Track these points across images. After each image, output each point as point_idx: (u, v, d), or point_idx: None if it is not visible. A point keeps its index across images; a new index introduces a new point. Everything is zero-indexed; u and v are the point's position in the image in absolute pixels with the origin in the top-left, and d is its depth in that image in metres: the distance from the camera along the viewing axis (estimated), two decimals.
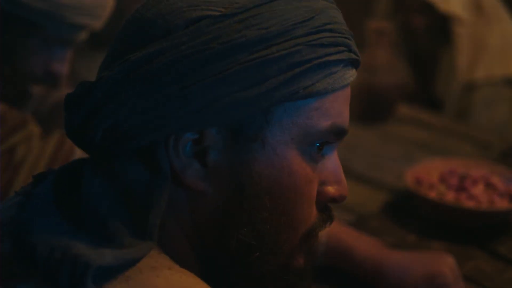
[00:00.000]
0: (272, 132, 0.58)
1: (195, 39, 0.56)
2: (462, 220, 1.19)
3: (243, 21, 0.56)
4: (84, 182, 0.61)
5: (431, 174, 1.30)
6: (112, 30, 1.25)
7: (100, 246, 0.55)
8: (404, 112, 1.89)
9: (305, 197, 0.61)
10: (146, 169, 0.59)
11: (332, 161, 0.64)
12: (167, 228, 0.60)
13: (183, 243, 0.61)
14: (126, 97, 0.57)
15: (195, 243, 0.61)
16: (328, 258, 1.02)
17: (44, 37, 1.09)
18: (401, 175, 1.32)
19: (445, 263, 0.96)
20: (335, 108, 0.60)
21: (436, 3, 1.98)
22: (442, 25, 2.06)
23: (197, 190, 0.59)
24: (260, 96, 0.56)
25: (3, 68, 1.08)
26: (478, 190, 1.23)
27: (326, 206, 0.65)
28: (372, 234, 1.10)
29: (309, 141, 0.60)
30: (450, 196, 1.23)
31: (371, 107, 1.81)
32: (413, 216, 1.26)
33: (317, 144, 0.61)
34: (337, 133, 0.61)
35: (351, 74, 0.62)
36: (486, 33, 2.10)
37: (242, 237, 0.59)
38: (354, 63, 0.63)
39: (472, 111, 2.12)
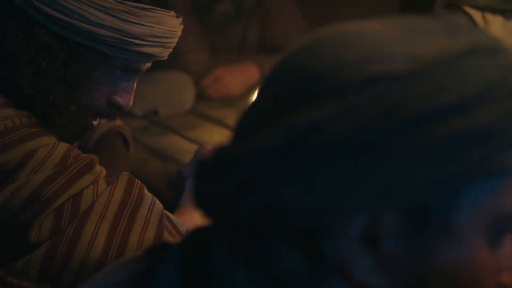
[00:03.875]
0: (459, 216, 0.48)
1: (375, 104, 0.45)
2: None
3: (431, 82, 0.46)
4: (218, 265, 0.51)
5: None
6: None
7: None
8: None
9: None
10: (305, 257, 0.48)
11: (507, 245, 0.53)
12: None
13: None
14: (287, 171, 0.46)
15: None
16: None
17: (110, 68, 0.99)
18: None
19: None
20: None
21: (476, 20, 1.87)
22: None
23: (366, 285, 0.48)
24: (452, 174, 0.46)
25: (69, 105, 0.98)
26: None
27: None
28: None
29: (496, 225, 0.50)
30: None
31: None
32: None
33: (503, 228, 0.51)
34: None
35: None
36: None
37: None
38: None
39: None
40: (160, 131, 1.72)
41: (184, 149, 1.57)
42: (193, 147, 1.54)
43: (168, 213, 1.00)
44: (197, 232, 0.57)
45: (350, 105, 0.45)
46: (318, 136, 0.45)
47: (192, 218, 1.08)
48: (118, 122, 1.37)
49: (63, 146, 0.95)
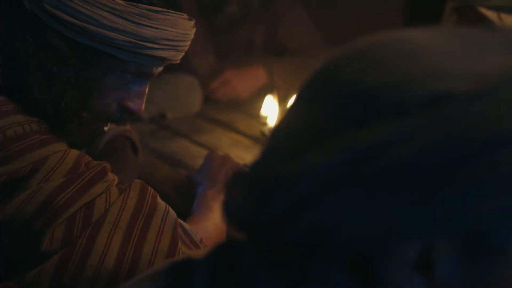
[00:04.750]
0: None
1: (442, 127, 0.43)
2: None
3: (498, 104, 0.43)
4: (253, 282, 0.48)
5: None
6: None
7: None
8: None
9: None
10: (354, 281, 0.46)
11: None
12: None
13: None
14: (345, 193, 0.44)
15: None
16: None
17: (122, 72, 0.97)
18: None
19: None
20: None
21: (492, 20, 1.85)
22: None
23: None
24: None
25: (80, 110, 0.95)
26: None
27: None
28: None
29: None
30: None
31: None
32: None
33: None
34: None
35: None
36: None
37: None
38: None
39: None
40: (167, 135, 1.69)
41: (193, 154, 1.55)
42: (202, 152, 1.51)
43: (182, 222, 0.98)
44: (224, 247, 0.55)
45: (416, 127, 0.43)
46: (382, 158, 0.43)
47: (205, 227, 1.05)
48: (127, 126, 1.35)
49: (74, 153, 0.93)
